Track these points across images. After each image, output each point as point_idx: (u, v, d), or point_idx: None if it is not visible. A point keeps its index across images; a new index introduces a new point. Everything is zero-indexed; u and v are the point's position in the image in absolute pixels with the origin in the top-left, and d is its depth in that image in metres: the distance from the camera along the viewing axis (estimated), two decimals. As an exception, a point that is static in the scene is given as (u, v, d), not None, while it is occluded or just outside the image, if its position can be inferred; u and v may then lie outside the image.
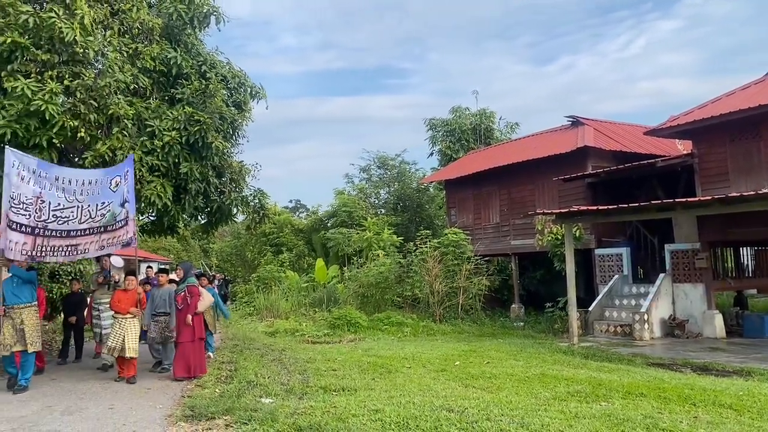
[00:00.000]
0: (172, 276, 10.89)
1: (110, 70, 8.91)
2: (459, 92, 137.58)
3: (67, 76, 8.62)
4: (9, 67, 8.24)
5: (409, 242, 21.34)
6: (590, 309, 15.52)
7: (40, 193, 8.43)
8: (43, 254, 8.72)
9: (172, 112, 9.75)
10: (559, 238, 15.70)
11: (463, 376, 9.43)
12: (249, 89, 11.85)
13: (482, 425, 6.22)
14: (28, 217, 8.42)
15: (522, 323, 17.62)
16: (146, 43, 9.84)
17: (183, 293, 9.53)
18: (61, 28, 8.21)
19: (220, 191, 11.12)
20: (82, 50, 8.51)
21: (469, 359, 11.23)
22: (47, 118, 8.25)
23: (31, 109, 8.09)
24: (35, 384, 8.97)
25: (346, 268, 24.12)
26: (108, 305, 10.21)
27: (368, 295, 19.78)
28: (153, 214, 11.02)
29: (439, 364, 10.65)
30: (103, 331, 10.51)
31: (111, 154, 9.05)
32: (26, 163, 8.31)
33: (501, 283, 20.35)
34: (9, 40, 8.09)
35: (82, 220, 8.84)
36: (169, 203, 9.63)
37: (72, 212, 8.75)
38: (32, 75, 8.37)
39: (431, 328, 16.66)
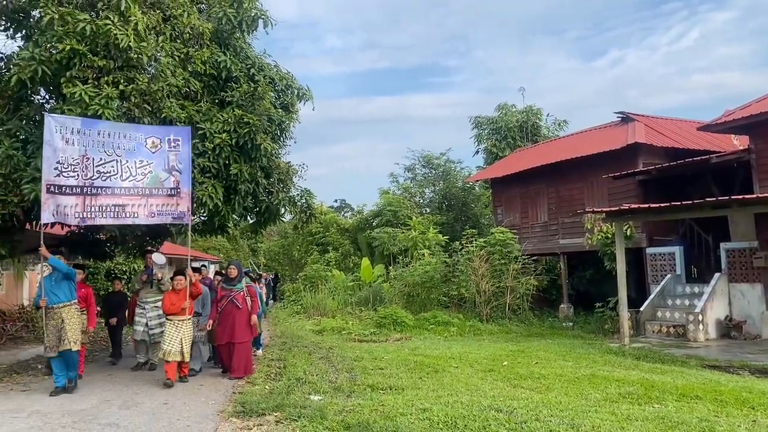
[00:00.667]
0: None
1: (163, 75, 9.15)
2: (504, 89, 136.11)
3: (122, 81, 8.89)
4: (68, 73, 8.55)
5: (455, 241, 21.25)
6: (641, 309, 15.17)
7: (86, 151, 8.48)
8: (93, 215, 8.63)
9: (222, 115, 9.95)
10: (610, 236, 15.40)
11: (511, 377, 9.35)
12: (296, 91, 11.99)
13: (531, 426, 6.16)
14: (76, 177, 8.46)
15: (571, 323, 17.35)
16: (197, 47, 10.07)
17: (242, 293, 9.55)
18: (116, 34, 8.48)
19: (268, 192, 11.29)
20: (136, 56, 8.76)
21: (517, 359, 11.13)
22: (104, 122, 8.46)
23: (89, 113, 8.35)
24: (94, 379, 9.30)
25: (391, 268, 24.18)
26: (154, 304, 10.28)
27: (414, 294, 19.78)
28: (204, 215, 11.26)
29: (487, 364, 10.58)
30: (150, 331, 10.28)
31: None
32: (69, 125, 8.39)
33: (549, 282, 20.08)
34: (68, 47, 8.40)
35: (123, 177, 8.76)
36: (220, 204, 9.82)
37: (113, 167, 8.71)
38: (89, 81, 8.66)
39: (478, 327, 16.56)
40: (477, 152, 33.47)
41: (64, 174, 8.31)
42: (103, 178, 8.64)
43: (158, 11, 9.43)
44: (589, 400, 7.60)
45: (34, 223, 10.19)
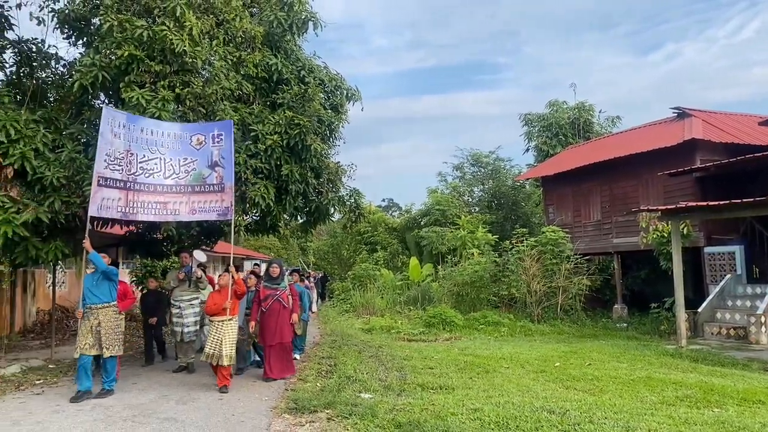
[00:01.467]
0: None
1: (217, 78, 9.38)
2: (554, 86, 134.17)
3: (177, 84, 9.15)
4: (126, 78, 8.85)
5: (505, 241, 21.05)
6: (699, 310, 14.70)
7: (130, 146, 8.52)
8: (135, 211, 8.61)
9: (273, 117, 10.12)
10: (666, 235, 14.98)
11: (563, 378, 9.22)
12: (345, 92, 12.11)
13: (585, 428, 6.07)
14: (121, 171, 8.48)
15: (625, 324, 16.95)
16: (249, 50, 10.27)
17: (287, 291, 9.37)
18: (172, 40, 8.74)
19: (318, 191, 11.43)
20: (191, 60, 9.00)
21: (569, 360, 10.95)
22: (160, 125, 8.70)
23: (147, 116, 8.62)
24: (152, 375, 9.59)
25: (440, 267, 24.11)
26: (189, 302, 10.01)
27: (463, 294, 19.67)
28: (257, 214, 11.48)
29: (538, 365, 10.45)
30: (185, 330, 9.85)
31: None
32: (117, 118, 8.48)
33: (602, 282, 19.66)
34: (126, 53, 8.70)
35: (166, 174, 8.76)
36: (271, 204, 9.99)
37: (156, 164, 8.72)
38: (147, 85, 8.94)
39: (529, 328, 16.36)
40: (527, 150, 33.09)
41: (111, 167, 8.35)
42: (146, 175, 8.67)
43: (212, 16, 9.66)
44: (645, 403, 7.43)
45: (96, 223, 10.56)
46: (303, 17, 11.10)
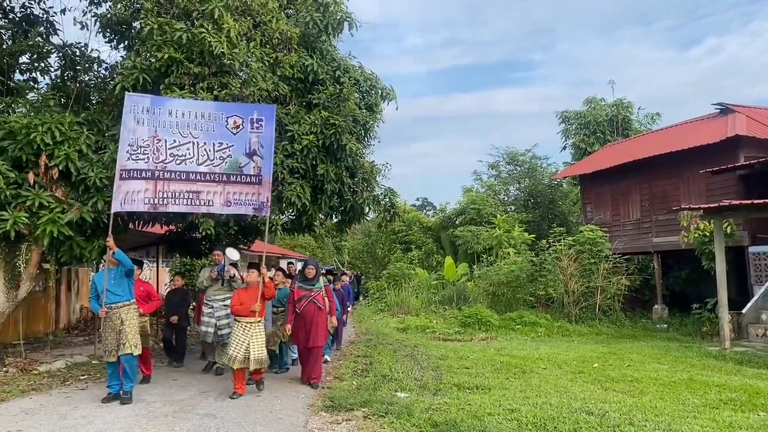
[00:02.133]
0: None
1: (254, 80, 9.48)
2: (592, 82, 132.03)
3: (216, 86, 9.27)
4: (166, 80, 9.00)
5: (542, 240, 20.82)
6: (744, 311, 14.30)
7: (156, 131, 7.98)
8: (165, 202, 8.00)
9: (309, 117, 10.20)
10: (708, 234, 14.62)
11: (602, 379, 9.09)
12: (380, 91, 12.13)
13: (625, 430, 5.99)
14: (146, 160, 7.92)
15: (665, 325, 16.60)
16: (285, 52, 10.36)
17: (322, 292, 8.93)
18: (210, 42, 8.87)
19: (353, 191, 11.46)
20: (228, 62, 9.12)
21: (608, 361, 10.79)
22: (200, 126, 8.79)
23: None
24: (192, 371, 9.76)
25: (475, 266, 23.98)
26: (223, 303, 9.50)
27: (499, 293, 19.53)
28: (293, 214, 11.58)
29: (576, 366, 10.32)
30: (219, 332, 9.44)
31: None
32: (141, 103, 7.99)
33: (642, 282, 19.29)
34: (166, 55, 8.86)
35: (200, 161, 8.12)
36: (307, 203, 10.07)
37: (188, 150, 8.09)
38: (186, 87, 9.08)
39: (566, 328, 16.16)
40: (564, 148, 32.63)
41: (134, 157, 7.86)
42: (177, 162, 8.05)
43: (249, 18, 9.76)
44: (687, 406, 7.28)
45: (136, 222, 10.80)
46: (338, 18, 11.15)
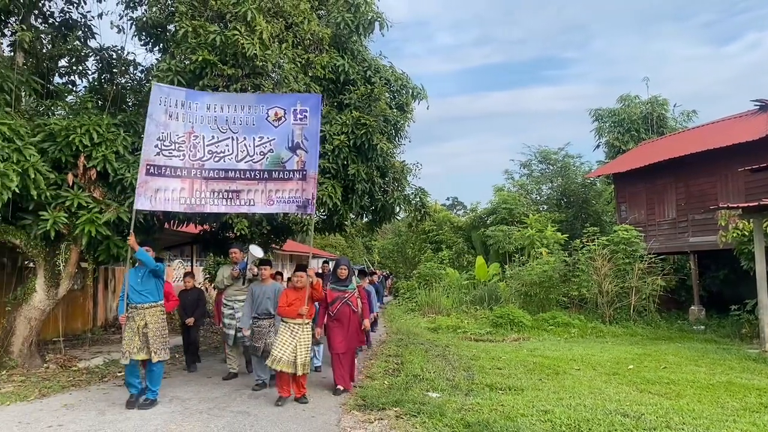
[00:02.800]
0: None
1: (286, 81, 9.56)
2: (626, 80, 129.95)
3: (249, 87, 9.38)
4: (201, 82, 9.12)
5: (575, 240, 20.56)
6: (785, 313, 13.90)
7: (192, 127, 7.53)
8: (203, 202, 7.55)
9: (340, 117, 10.24)
10: (747, 234, 14.24)
11: (637, 381, 8.94)
12: (411, 91, 12.13)
13: (662, 433, 5.87)
14: (182, 157, 7.45)
15: (703, 327, 16.25)
16: (317, 52, 10.43)
17: (356, 294, 8.42)
18: (243, 44, 8.97)
19: (383, 190, 11.49)
20: (261, 63, 9.21)
21: (643, 363, 10.61)
22: (233, 127, 8.87)
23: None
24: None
25: (507, 266, 23.80)
26: (243, 304, 8.76)
27: (531, 294, 19.35)
28: (324, 213, 11.65)
29: (611, 367, 10.17)
30: (239, 334, 8.87)
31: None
32: (174, 95, 7.55)
33: (678, 283, 18.91)
34: (200, 58, 8.98)
35: (239, 157, 7.65)
36: (338, 203, 10.11)
37: (227, 146, 7.63)
38: (220, 88, 9.20)
39: (600, 329, 15.94)
40: (598, 146, 32.24)
41: (165, 153, 7.37)
42: (215, 159, 7.59)
43: (281, 20, 9.85)
44: (726, 409, 7.11)
45: (172, 222, 10.98)
46: (369, 18, 11.18)
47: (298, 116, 7.77)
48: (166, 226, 11.10)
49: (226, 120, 7.69)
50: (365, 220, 13.64)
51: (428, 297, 22.48)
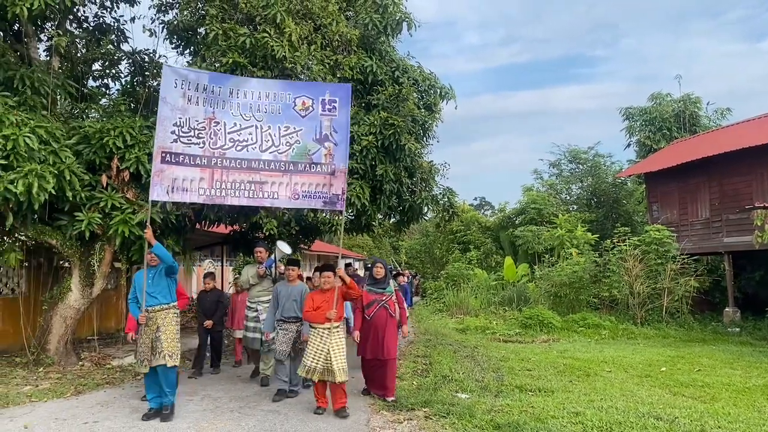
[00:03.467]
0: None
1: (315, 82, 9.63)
2: (656, 78, 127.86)
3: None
4: (231, 84, 9.24)
5: (605, 240, 20.30)
6: (825, 316, 13.56)
7: (213, 113, 7.05)
8: (223, 193, 7.07)
9: (368, 118, 10.27)
10: (784, 234, 13.92)
11: (670, 383, 8.80)
12: (439, 91, 12.12)
13: (696, 437, 5.77)
14: (201, 145, 6.97)
15: (738, 329, 15.90)
16: (345, 54, 10.48)
17: (393, 297, 7.81)
18: (272, 46, 9.05)
19: (411, 191, 11.49)
20: (290, 65, 9.28)
21: (676, 365, 10.43)
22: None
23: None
24: (248, 371, 9.96)
25: (536, 267, 23.59)
26: (268, 305, 8.32)
27: (561, 295, 19.15)
28: (352, 214, 11.70)
29: (643, 369, 10.02)
30: (263, 338, 8.25)
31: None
32: (193, 79, 7.06)
33: (711, 284, 18.53)
34: (231, 60, 9.09)
35: (263, 147, 7.17)
36: (366, 203, 10.14)
37: (250, 134, 7.16)
38: (250, 90, 9.30)
39: (631, 331, 15.70)
40: (628, 145, 31.77)
41: (183, 140, 6.89)
42: (238, 148, 7.12)
43: (309, 21, 9.92)
44: (763, 413, 6.96)
45: (203, 222, 11.12)
46: (397, 18, 11.20)
47: (327, 107, 7.33)
48: (198, 226, 11.25)
49: (250, 107, 7.22)
50: (393, 220, 13.65)
51: (456, 298, 22.40)
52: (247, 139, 7.18)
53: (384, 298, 7.70)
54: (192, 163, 6.95)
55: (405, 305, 8.26)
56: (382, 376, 7.64)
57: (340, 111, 7.34)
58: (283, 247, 8.64)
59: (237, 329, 10.05)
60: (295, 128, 7.28)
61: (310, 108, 7.29)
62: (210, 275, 10.10)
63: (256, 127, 7.21)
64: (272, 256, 8.83)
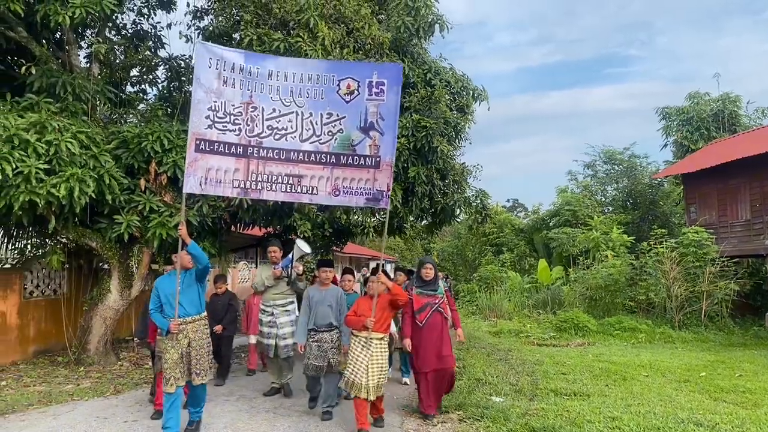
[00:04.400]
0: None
1: (347, 85, 9.69)
2: (693, 77, 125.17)
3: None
4: (265, 89, 9.35)
5: (642, 242, 19.95)
6: None
7: (251, 96, 6.39)
8: (259, 186, 6.39)
9: (400, 120, 10.27)
10: (829, 236, 13.50)
11: (710, 389, 8.60)
12: (471, 92, 12.07)
13: (738, 444, 5.63)
14: (237, 132, 6.33)
15: (781, 334, 15.47)
16: (377, 57, 10.51)
17: (444, 300, 7.07)
18: (306, 50, 9.14)
19: (443, 193, 11.47)
20: (323, 69, 9.35)
21: (716, 370, 10.19)
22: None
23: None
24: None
25: (571, 270, 23.30)
26: (284, 309, 7.96)
27: (596, 298, 18.87)
28: (384, 216, 11.72)
29: (681, 374, 9.82)
30: (280, 343, 7.81)
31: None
32: (229, 59, 6.39)
33: (753, 287, 18.04)
34: (264, 65, 9.20)
35: (304, 136, 6.47)
36: (398, 205, 10.15)
37: (290, 121, 6.46)
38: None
39: (669, 335, 15.38)
40: (665, 146, 31.15)
41: (219, 126, 6.26)
42: (276, 136, 6.44)
43: (342, 25, 9.98)
44: (809, 421, 6.75)
45: (238, 224, 11.26)
46: (429, 21, 11.18)
47: (374, 90, 6.48)
48: (233, 229, 11.39)
49: (291, 91, 6.47)
50: (425, 222, 13.64)
51: (489, 300, 22.25)
52: (286, 127, 6.48)
53: (437, 300, 6.92)
54: (227, 151, 6.29)
55: (456, 307, 7.53)
56: (438, 389, 6.91)
57: (388, 95, 6.48)
58: (302, 246, 8.06)
59: (252, 334, 9.33)
60: (338, 115, 6.51)
61: (356, 92, 6.48)
62: (221, 278, 9.25)
63: (297, 114, 6.48)
64: (289, 256, 8.08)
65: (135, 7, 11.72)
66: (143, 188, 9.05)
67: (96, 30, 10.87)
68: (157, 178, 9.09)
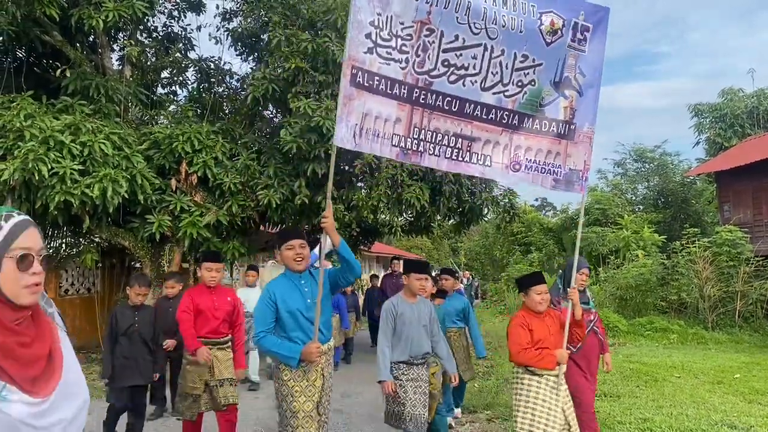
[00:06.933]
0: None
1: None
2: (726, 74, 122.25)
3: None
4: (293, 89, 9.42)
5: (673, 241, 19.61)
6: None
7: (429, 13, 4.25)
8: (421, 148, 4.34)
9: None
10: None
11: (745, 391, 8.42)
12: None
13: (774, 447, 5.51)
14: (404, 64, 4.24)
15: (818, 335, 15.07)
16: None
17: (598, 316, 5.55)
18: (333, 51, 9.19)
19: (471, 192, 11.43)
20: (352, 69, 9.37)
21: (751, 372, 9.98)
22: (324, 132, 8.93)
23: (311, 125, 8.94)
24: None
25: (600, 269, 23.02)
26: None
27: (627, 297, 18.61)
28: (411, 215, 11.72)
29: (714, 376, 9.64)
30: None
31: (377, 162, 9.67)
32: None
33: (790, 287, 17.61)
34: (293, 65, 9.28)
35: (487, 83, 4.44)
36: (426, 205, 10.14)
37: (474, 58, 4.38)
38: (311, 95, 9.45)
39: (701, 335, 15.11)
40: (697, 143, 30.60)
41: (380, 50, 4.17)
42: (452, 78, 4.37)
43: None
44: None
45: (267, 224, 11.37)
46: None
47: (578, 36, 4.63)
48: (261, 228, 11.51)
49: (484, 14, 4.36)
50: (452, 221, 13.59)
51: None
52: (466, 65, 4.40)
53: (592, 317, 5.28)
54: (388, 92, 4.23)
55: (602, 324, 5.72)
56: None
57: (592, 45, 4.66)
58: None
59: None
60: (534, 60, 4.56)
61: (560, 32, 4.56)
62: (174, 276, 7.46)
63: (485, 48, 4.42)
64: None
65: (165, 10, 11.92)
66: (174, 188, 9.19)
67: (128, 33, 11.07)
68: (188, 178, 9.23)
